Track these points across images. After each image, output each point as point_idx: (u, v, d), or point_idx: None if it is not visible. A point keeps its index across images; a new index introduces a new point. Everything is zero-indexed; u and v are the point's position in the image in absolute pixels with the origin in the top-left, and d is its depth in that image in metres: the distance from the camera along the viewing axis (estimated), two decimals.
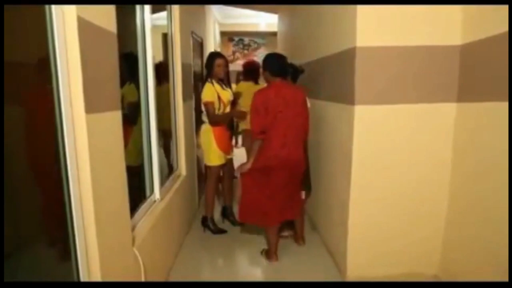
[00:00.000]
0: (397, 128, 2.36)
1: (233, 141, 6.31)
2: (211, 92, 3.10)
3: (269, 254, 2.86)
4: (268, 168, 2.61)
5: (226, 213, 3.59)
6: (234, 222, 3.51)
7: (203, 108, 3.17)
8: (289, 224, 3.13)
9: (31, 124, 1.41)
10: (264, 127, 2.59)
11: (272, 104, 2.57)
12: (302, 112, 2.68)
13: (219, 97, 3.12)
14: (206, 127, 3.21)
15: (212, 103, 3.09)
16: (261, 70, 3.03)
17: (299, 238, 3.10)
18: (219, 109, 3.14)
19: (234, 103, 3.98)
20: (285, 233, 3.17)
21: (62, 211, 1.38)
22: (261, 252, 2.96)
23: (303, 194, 3.03)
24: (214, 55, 3.29)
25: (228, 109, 3.26)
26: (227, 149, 3.33)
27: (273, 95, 2.59)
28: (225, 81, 3.25)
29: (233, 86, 5.62)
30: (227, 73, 3.29)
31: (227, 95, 3.24)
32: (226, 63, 3.23)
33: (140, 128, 2.52)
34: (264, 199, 2.69)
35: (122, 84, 2.51)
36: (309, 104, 2.83)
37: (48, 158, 1.47)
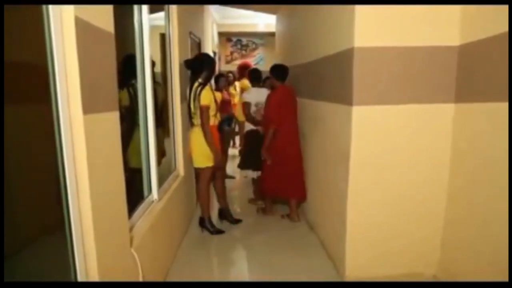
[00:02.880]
0: (396, 128, 2.36)
1: (231, 142, 6.54)
2: (209, 96, 3.09)
3: (266, 211, 3.77)
4: (284, 149, 3.44)
5: (223, 214, 3.60)
6: (233, 222, 3.54)
7: (193, 110, 3.11)
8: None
9: (29, 124, 1.40)
10: (280, 119, 3.37)
11: (284, 102, 3.45)
12: (295, 104, 3.61)
13: (215, 100, 3.15)
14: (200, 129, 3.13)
15: (208, 107, 3.06)
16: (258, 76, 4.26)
17: (294, 215, 3.58)
18: (215, 110, 3.18)
19: (227, 103, 4.02)
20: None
21: (60, 212, 1.37)
22: (257, 210, 3.85)
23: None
24: (212, 59, 3.34)
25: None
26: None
27: (283, 95, 3.47)
28: (222, 82, 3.33)
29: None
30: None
31: (219, 96, 3.37)
32: None
33: (138, 129, 2.51)
34: (286, 174, 3.46)
35: (122, 87, 2.52)
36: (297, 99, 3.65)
37: (45, 158, 1.46)
